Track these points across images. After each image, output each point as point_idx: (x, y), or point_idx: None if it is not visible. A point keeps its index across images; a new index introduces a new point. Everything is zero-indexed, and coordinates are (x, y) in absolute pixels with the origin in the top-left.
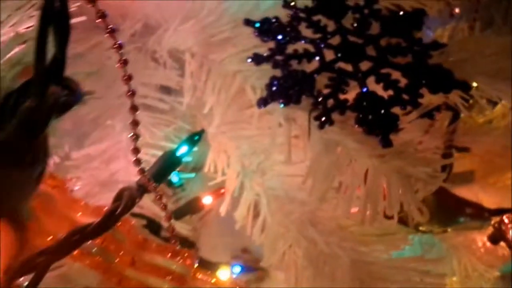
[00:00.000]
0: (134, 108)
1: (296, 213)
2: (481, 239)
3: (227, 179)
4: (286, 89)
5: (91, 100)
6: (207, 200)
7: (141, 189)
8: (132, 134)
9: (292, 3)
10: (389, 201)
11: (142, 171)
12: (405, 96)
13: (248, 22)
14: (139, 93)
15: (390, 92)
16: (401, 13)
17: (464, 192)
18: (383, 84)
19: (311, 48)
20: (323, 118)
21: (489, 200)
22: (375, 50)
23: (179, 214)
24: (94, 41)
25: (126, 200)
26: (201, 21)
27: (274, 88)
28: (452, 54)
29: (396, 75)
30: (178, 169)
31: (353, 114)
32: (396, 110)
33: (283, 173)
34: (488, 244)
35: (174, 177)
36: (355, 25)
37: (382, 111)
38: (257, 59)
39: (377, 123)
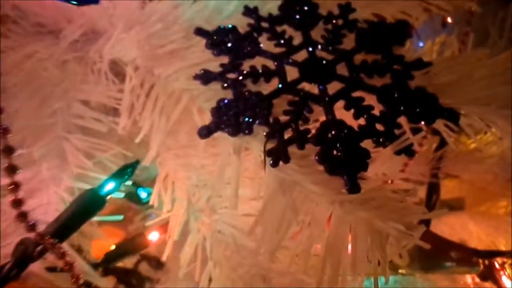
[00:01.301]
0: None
1: (246, 266)
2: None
3: (171, 216)
4: (236, 115)
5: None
6: (153, 236)
7: (40, 245)
8: (10, 182)
9: (254, 10)
10: (355, 258)
11: (30, 228)
12: (380, 127)
13: (200, 32)
14: (74, 113)
15: (362, 121)
16: (381, 25)
17: (452, 220)
18: (354, 111)
19: (271, 65)
20: (278, 153)
21: (479, 231)
22: (347, 68)
23: (120, 253)
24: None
25: (16, 259)
26: (148, 29)
27: (220, 114)
28: (438, 76)
29: (370, 100)
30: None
31: (315, 148)
32: (368, 143)
33: (234, 213)
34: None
35: (142, 193)
36: (326, 37)
37: (350, 146)
38: (205, 77)
39: (343, 160)
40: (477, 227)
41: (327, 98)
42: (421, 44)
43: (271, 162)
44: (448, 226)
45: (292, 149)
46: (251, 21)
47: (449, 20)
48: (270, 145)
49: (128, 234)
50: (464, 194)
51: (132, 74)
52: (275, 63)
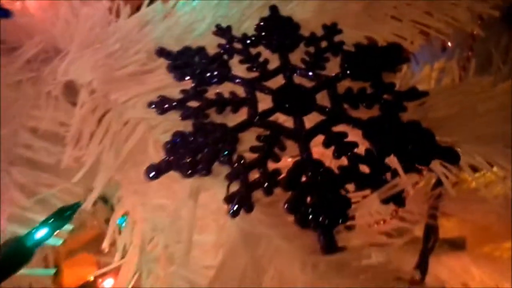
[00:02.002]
0: None
1: None
2: None
3: (124, 263)
4: (193, 152)
5: None
6: (107, 283)
7: None
8: None
9: (227, 30)
10: None
11: None
12: (365, 169)
13: (162, 53)
14: (21, 142)
15: (344, 161)
16: (370, 48)
17: (453, 262)
18: (334, 148)
19: (241, 92)
20: (239, 200)
21: (482, 274)
22: (329, 97)
23: None
24: None
25: None
26: (107, 48)
27: (174, 151)
28: (435, 108)
29: (354, 135)
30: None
31: (286, 194)
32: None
33: (193, 265)
34: None
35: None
36: (307, 61)
37: (328, 193)
38: (163, 105)
39: (318, 211)
40: (480, 270)
41: (303, 133)
42: (416, 69)
43: (230, 211)
44: (448, 269)
45: (259, 194)
46: (224, 41)
47: (449, 44)
48: (234, 188)
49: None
50: (465, 233)
51: (85, 99)
52: (246, 90)
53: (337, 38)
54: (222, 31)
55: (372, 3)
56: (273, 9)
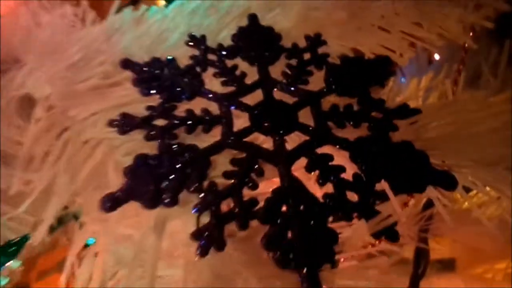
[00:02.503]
0: None
1: None
2: None
3: None
4: (157, 178)
5: None
6: None
7: None
8: None
9: (200, 40)
10: None
11: None
12: (352, 198)
13: (127, 64)
14: None
15: (329, 188)
16: (357, 61)
17: (443, 283)
18: (319, 173)
19: (214, 108)
20: (209, 236)
21: None
22: (313, 115)
23: None
24: None
25: None
26: (68, 59)
27: (135, 177)
28: (428, 127)
29: (341, 157)
30: None
31: (263, 227)
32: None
33: None
34: None
35: None
36: (288, 75)
37: (312, 226)
38: (124, 124)
39: (301, 249)
40: None
41: (284, 155)
42: (403, 80)
43: (198, 249)
44: None
45: (233, 228)
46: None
47: (436, 56)
48: (205, 220)
49: None
50: (456, 255)
51: (41, 115)
52: (220, 107)
53: (321, 50)
54: (195, 41)
55: (358, 12)
56: (253, 18)
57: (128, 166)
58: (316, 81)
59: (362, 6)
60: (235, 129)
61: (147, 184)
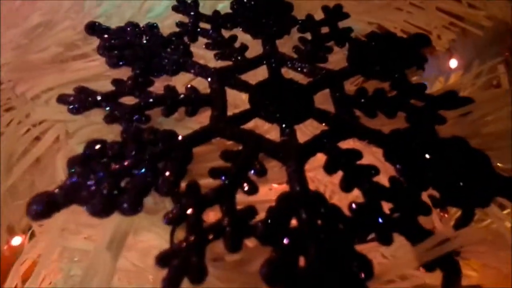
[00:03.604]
0: None
1: None
2: None
3: None
4: (113, 175)
5: None
6: None
7: None
8: None
9: (191, 4)
10: None
11: None
12: (385, 215)
13: (93, 29)
14: None
15: (356, 194)
16: (389, 38)
17: None
18: (342, 176)
19: (204, 86)
20: (181, 264)
21: None
22: (333, 100)
23: None
24: None
25: None
26: (27, 25)
27: (82, 172)
28: (484, 122)
29: (370, 156)
30: None
31: (262, 250)
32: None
33: None
34: None
35: None
36: (301, 51)
37: (335, 250)
38: (79, 101)
39: (318, 282)
40: None
41: (294, 150)
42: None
43: (164, 282)
44: None
45: (219, 249)
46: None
47: (454, 61)
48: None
49: None
50: (486, 281)
51: None
52: (211, 84)
53: (342, 24)
54: (184, 6)
55: None
56: None
57: (74, 156)
58: (336, 60)
59: None
60: (229, 113)
61: (97, 182)
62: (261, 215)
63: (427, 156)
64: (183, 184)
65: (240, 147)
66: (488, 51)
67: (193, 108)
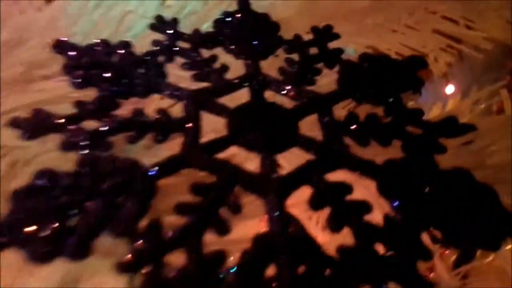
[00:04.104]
0: None
1: None
2: None
3: None
4: (59, 212)
5: None
6: None
7: None
8: None
9: (170, 23)
10: None
11: None
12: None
13: (61, 46)
14: None
15: (346, 234)
16: (383, 60)
17: None
18: (330, 213)
19: (178, 110)
20: None
21: None
22: (321, 126)
23: None
24: None
25: None
26: None
27: (20, 209)
28: (488, 152)
29: (362, 190)
30: None
31: None
32: None
33: None
34: None
35: None
36: (287, 72)
37: None
38: (34, 125)
39: None
40: None
41: (276, 182)
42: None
43: None
44: None
45: None
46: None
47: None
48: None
49: None
50: None
51: None
52: (186, 108)
53: (332, 45)
54: (163, 24)
55: (380, 3)
56: (243, 1)
57: (19, 187)
58: (325, 83)
59: None
60: (204, 139)
61: (41, 219)
62: (234, 259)
63: (426, 190)
64: (142, 223)
65: (214, 180)
66: (486, 76)
67: (163, 134)
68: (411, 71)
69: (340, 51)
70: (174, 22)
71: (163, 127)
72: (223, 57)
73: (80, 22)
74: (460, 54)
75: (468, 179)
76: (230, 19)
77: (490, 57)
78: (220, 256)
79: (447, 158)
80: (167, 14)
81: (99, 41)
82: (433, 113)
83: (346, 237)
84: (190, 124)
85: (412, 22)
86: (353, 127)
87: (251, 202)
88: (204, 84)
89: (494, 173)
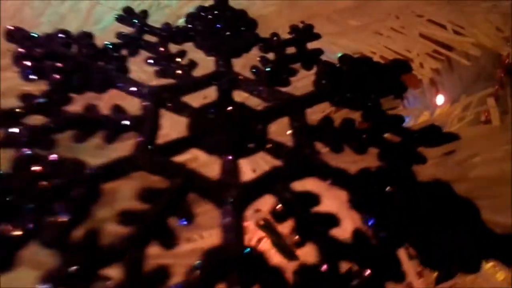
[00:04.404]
0: None
1: None
2: None
3: None
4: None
5: None
6: None
7: None
8: None
9: (138, 15)
10: None
11: None
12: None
13: (13, 36)
14: None
15: (311, 251)
16: (363, 62)
17: None
18: (293, 227)
19: (136, 108)
20: None
21: None
22: (292, 130)
23: None
24: None
25: None
26: None
27: None
28: (471, 164)
29: (332, 202)
30: None
31: None
32: None
33: None
34: None
35: None
36: (260, 72)
37: None
38: None
39: None
40: None
41: (237, 190)
42: (407, 119)
43: None
44: None
45: None
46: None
47: (440, 96)
48: None
49: None
50: None
51: None
52: (144, 105)
53: (311, 46)
54: (131, 16)
55: (365, 3)
56: None
57: None
58: (302, 85)
59: None
60: (161, 140)
61: None
62: (178, 278)
63: (402, 203)
64: (79, 232)
65: (167, 184)
66: (476, 85)
67: (113, 133)
68: (394, 75)
69: (319, 52)
70: (143, 14)
71: (116, 125)
72: (194, 54)
73: (47, 13)
74: (448, 60)
75: (448, 193)
76: (204, 14)
77: (479, 65)
78: (163, 272)
79: (426, 169)
80: (140, 7)
81: (58, 31)
82: (419, 122)
83: (309, 254)
84: (146, 123)
85: (398, 25)
86: (327, 132)
87: (206, 212)
88: (168, 81)
89: (476, 187)
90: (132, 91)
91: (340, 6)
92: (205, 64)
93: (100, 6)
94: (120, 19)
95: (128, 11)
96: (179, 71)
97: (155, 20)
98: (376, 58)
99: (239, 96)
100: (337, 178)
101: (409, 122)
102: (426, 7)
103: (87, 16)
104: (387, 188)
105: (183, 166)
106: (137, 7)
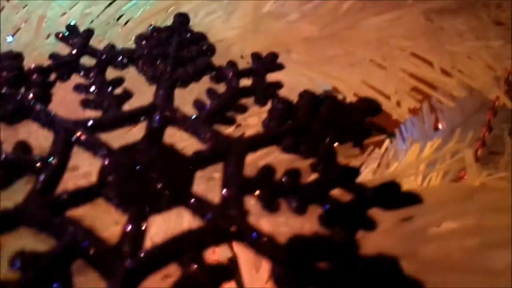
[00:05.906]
0: None
1: None
2: None
3: None
4: None
5: None
6: None
7: None
8: None
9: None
10: None
11: None
12: None
13: None
14: None
15: None
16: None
17: None
18: None
19: (46, 144)
20: None
21: None
22: (222, 181)
23: None
24: None
25: None
26: None
27: None
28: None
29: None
30: None
31: None
32: None
33: None
34: None
35: None
36: (203, 107)
37: None
38: None
39: None
40: None
41: (127, 260)
42: (402, 146)
43: None
44: None
45: None
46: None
47: (440, 126)
48: None
49: None
50: None
51: None
52: (56, 141)
53: (271, 78)
54: (74, 34)
55: (341, 32)
56: (181, 18)
57: None
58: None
59: (348, 24)
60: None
61: None
62: None
63: (334, 282)
64: None
65: (51, 247)
66: (478, 114)
67: (11, 176)
68: (359, 118)
69: (278, 84)
70: (87, 33)
71: (13, 166)
72: (134, 79)
73: None
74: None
75: (393, 271)
76: (156, 35)
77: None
78: None
79: (374, 238)
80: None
81: None
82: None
83: None
84: (47, 166)
85: (378, 57)
86: (264, 185)
87: (91, 283)
88: (95, 113)
89: (428, 266)
90: (45, 124)
91: (313, 33)
92: (147, 94)
93: (51, 20)
94: (58, 36)
95: (71, 28)
96: (106, 103)
97: (113, 38)
98: (349, 93)
99: (173, 135)
100: (261, 246)
101: (405, 150)
102: (404, 41)
103: (37, 29)
104: (320, 263)
105: (77, 223)
106: (94, 23)
